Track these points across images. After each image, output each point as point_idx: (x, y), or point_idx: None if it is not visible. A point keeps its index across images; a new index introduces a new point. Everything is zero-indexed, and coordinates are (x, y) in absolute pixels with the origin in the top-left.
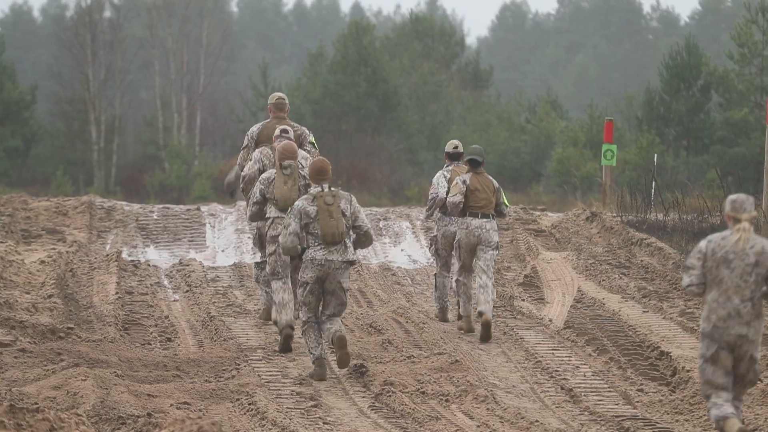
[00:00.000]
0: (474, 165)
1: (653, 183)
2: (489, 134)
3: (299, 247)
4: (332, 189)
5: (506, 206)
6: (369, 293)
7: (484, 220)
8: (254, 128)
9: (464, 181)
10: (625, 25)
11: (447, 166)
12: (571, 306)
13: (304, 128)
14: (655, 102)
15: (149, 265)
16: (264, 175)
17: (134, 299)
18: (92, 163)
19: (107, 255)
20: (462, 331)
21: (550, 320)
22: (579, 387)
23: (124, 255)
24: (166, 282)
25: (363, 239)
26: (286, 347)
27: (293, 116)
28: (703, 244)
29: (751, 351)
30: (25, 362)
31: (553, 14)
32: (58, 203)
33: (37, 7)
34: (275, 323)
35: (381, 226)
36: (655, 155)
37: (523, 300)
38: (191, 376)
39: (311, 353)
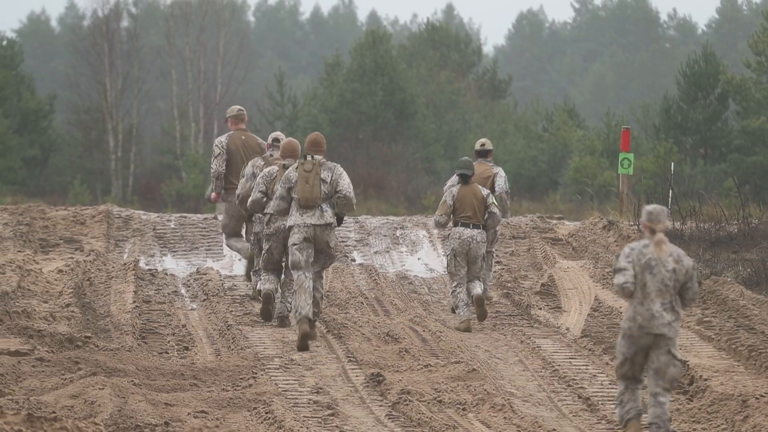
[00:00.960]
0: (464, 179)
1: (670, 191)
2: (506, 143)
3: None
4: (315, 158)
5: (495, 206)
6: (386, 302)
7: (476, 231)
8: (222, 138)
9: (453, 196)
10: (642, 33)
11: (474, 161)
12: (588, 314)
13: (263, 141)
14: (673, 110)
15: (166, 274)
16: (266, 171)
17: (151, 308)
18: (110, 173)
19: (125, 264)
20: (459, 330)
21: (567, 329)
22: (596, 395)
23: (141, 264)
24: (183, 291)
25: (342, 202)
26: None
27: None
28: (627, 250)
29: (669, 347)
30: (42, 371)
31: (570, 23)
32: (75, 212)
33: (55, 16)
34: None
35: (398, 234)
36: (672, 164)
37: (540, 309)
38: (208, 385)
39: (299, 312)
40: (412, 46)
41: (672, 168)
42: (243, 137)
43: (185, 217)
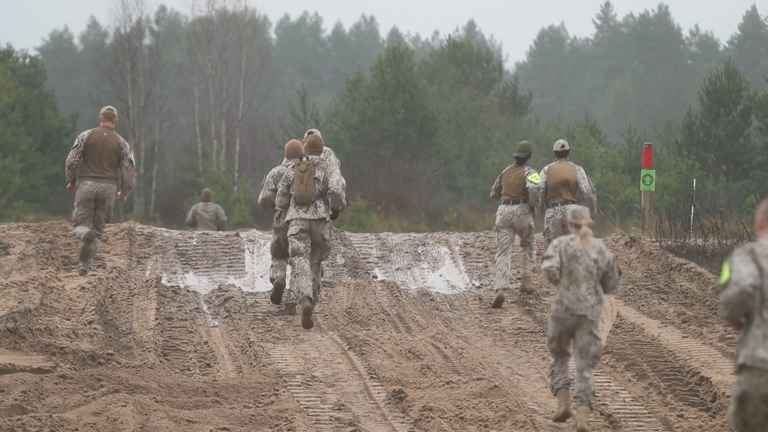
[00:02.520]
0: (518, 161)
1: (692, 208)
2: None
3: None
4: (311, 158)
5: (531, 183)
6: (407, 318)
7: (515, 206)
8: (84, 132)
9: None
10: (663, 50)
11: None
12: (610, 331)
13: (124, 141)
14: (695, 127)
15: (188, 291)
16: (274, 170)
17: (174, 325)
18: (132, 190)
19: (147, 281)
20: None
21: None
22: (618, 412)
23: (163, 281)
24: (205, 308)
25: (333, 198)
26: (306, 323)
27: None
28: (555, 242)
29: (591, 329)
30: (65, 388)
31: (592, 39)
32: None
33: (77, 35)
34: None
35: (419, 251)
36: (695, 180)
37: None
38: (230, 402)
39: (301, 292)
40: (433, 62)
41: (694, 184)
42: (105, 134)
43: (207, 234)
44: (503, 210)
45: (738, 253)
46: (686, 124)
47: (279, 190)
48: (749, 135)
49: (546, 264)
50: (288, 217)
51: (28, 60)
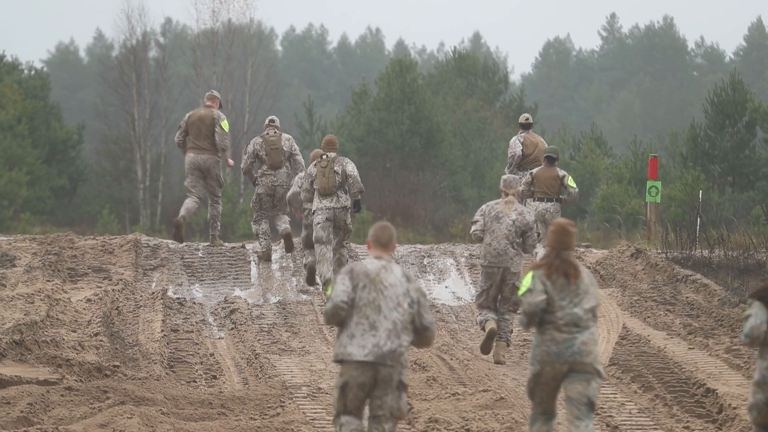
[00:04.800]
0: (549, 161)
1: (698, 219)
2: None
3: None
4: (329, 155)
5: (574, 188)
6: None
7: (549, 203)
8: (187, 114)
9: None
10: (669, 61)
11: (520, 133)
12: (616, 343)
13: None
14: (700, 138)
15: (194, 302)
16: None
17: (179, 337)
18: (138, 202)
19: (153, 293)
20: None
21: None
22: (625, 424)
23: (169, 293)
24: (211, 320)
25: (352, 182)
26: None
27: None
28: (483, 207)
29: (513, 280)
30: (71, 400)
31: (597, 51)
32: (104, 242)
33: (83, 47)
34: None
35: (425, 263)
36: (700, 192)
37: None
38: (236, 414)
39: (324, 276)
40: (439, 74)
41: (700, 196)
42: (203, 111)
43: (213, 246)
44: (537, 206)
45: (341, 271)
46: (691, 136)
47: (304, 185)
48: (755, 146)
49: (472, 228)
50: (314, 207)
51: (33, 72)
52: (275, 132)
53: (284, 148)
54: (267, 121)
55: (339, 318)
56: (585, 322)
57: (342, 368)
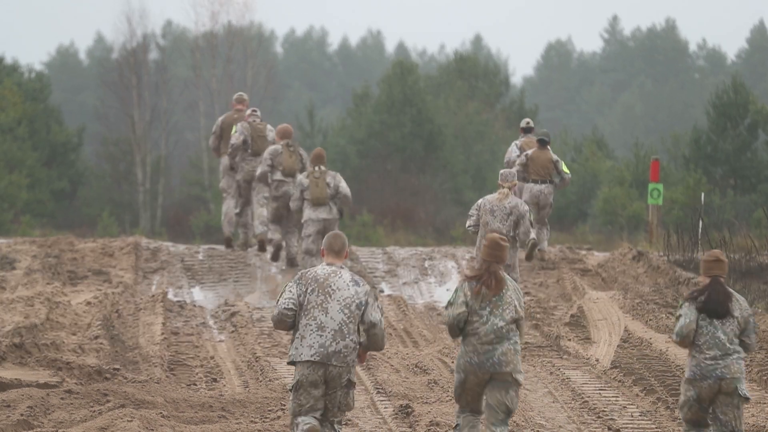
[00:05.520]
0: (542, 143)
1: (700, 222)
2: None
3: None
4: (321, 168)
5: (568, 174)
6: (414, 333)
7: (543, 185)
8: (219, 118)
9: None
10: (671, 63)
11: (521, 137)
12: (617, 345)
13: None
14: (702, 141)
15: (195, 305)
16: (272, 148)
17: (180, 340)
18: (138, 205)
19: (153, 296)
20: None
21: (597, 360)
22: (626, 427)
23: (169, 296)
24: (211, 322)
25: (343, 199)
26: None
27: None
28: (479, 201)
29: (509, 272)
30: (71, 403)
31: (599, 53)
32: (104, 244)
33: (83, 49)
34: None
35: (426, 265)
36: (702, 194)
37: (570, 340)
38: (237, 417)
39: None
40: (440, 76)
41: (702, 198)
42: (236, 116)
43: (213, 248)
44: (532, 188)
45: (292, 278)
46: (693, 138)
47: (294, 195)
48: (756, 149)
49: (467, 223)
50: (305, 218)
51: (34, 75)
52: (261, 121)
53: (269, 138)
54: (249, 111)
55: (284, 324)
56: (506, 333)
57: (295, 369)
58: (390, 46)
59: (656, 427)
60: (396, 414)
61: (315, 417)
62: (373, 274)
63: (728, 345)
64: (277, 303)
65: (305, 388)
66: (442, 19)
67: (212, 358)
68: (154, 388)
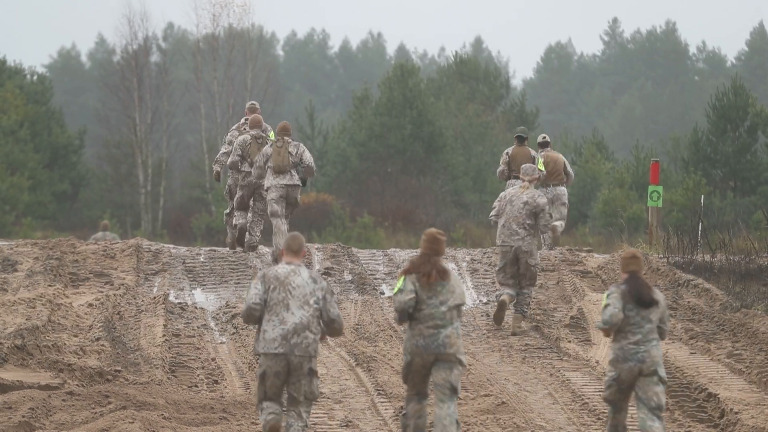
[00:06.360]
0: (519, 141)
1: (700, 224)
2: None
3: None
4: (285, 139)
5: (542, 171)
6: None
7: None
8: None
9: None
10: (671, 65)
11: (540, 152)
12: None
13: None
14: (702, 143)
15: (196, 307)
16: (240, 138)
17: (181, 342)
18: (139, 207)
19: (154, 298)
20: None
21: (597, 362)
22: (627, 429)
23: (171, 298)
24: (212, 324)
25: (306, 169)
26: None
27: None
28: (501, 194)
29: (526, 258)
30: (73, 405)
31: (599, 55)
32: (105, 246)
33: (85, 52)
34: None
35: None
36: (702, 196)
37: (570, 341)
38: (238, 419)
39: (278, 247)
40: (440, 79)
41: (702, 200)
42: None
43: (215, 250)
44: (515, 183)
45: (256, 276)
46: (693, 140)
47: (257, 163)
48: (756, 151)
49: (490, 214)
50: (267, 184)
51: (35, 77)
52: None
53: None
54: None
55: (253, 318)
56: (449, 319)
57: (260, 360)
58: (390, 49)
59: None
60: (396, 416)
61: (278, 403)
62: (374, 276)
63: (650, 332)
64: (245, 300)
65: (269, 377)
66: (443, 22)
67: (213, 359)
68: (155, 389)
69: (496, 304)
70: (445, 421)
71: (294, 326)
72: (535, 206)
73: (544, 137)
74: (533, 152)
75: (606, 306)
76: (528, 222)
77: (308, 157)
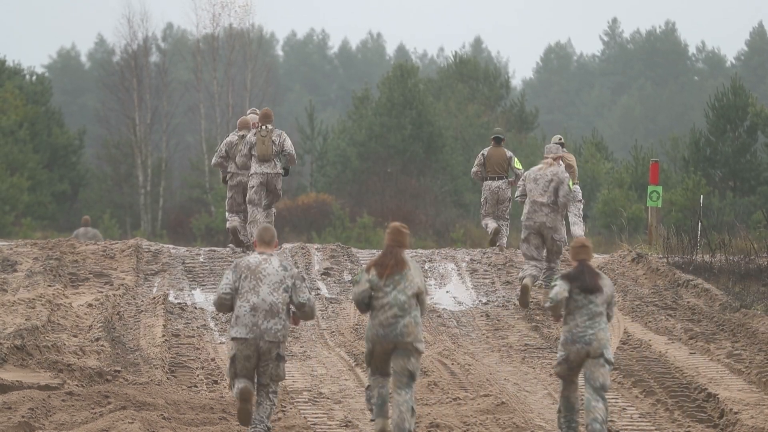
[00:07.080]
0: (496, 141)
1: (699, 224)
2: None
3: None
4: (268, 127)
5: (519, 169)
6: None
7: (501, 182)
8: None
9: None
10: (670, 66)
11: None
12: (617, 347)
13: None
14: (701, 143)
15: (195, 307)
16: (227, 140)
17: (181, 342)
18: (139, 207)
19: (154, 298)
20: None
21: None
22: (626, 429)
23: (170, 298)
24: (212, 324)
25: (288, 157)
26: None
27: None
28: (525, 173)
29: (551, 234)
30: (72, 405)
31: (598, 56)
32: (105, 247)
33: (85, 52)
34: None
35: (426, 267)
36: (701, 196)
37: None
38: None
39: (253, 236)
40: (440, 79)
41: (701, 200)
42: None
43: (214, 251)
44: (491, 185)
45: (229, 267)
46: (693, 140)
47: (242, 152)
48: (756, 151)
49: (515, 193)
50: (251, 172)
51: (35, 77)
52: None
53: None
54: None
55: (225, 306)
56: (408, 308)
57: (232, 344)
58: (390, 49)
59: (655, 429)
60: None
61: (250, 379)
62: None
63: (597, 315)
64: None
65: (240, 360)
66: (442, 22)
67: (213, 360)
68: (155, 390)
69: (519, 286)
70: (402, 407)
71: (264, 313)
72: (558, 181)
73: (560, 139)
74: (509, 153)
75: (553, 286)
76: (552, 198)
77: (289, 145)
